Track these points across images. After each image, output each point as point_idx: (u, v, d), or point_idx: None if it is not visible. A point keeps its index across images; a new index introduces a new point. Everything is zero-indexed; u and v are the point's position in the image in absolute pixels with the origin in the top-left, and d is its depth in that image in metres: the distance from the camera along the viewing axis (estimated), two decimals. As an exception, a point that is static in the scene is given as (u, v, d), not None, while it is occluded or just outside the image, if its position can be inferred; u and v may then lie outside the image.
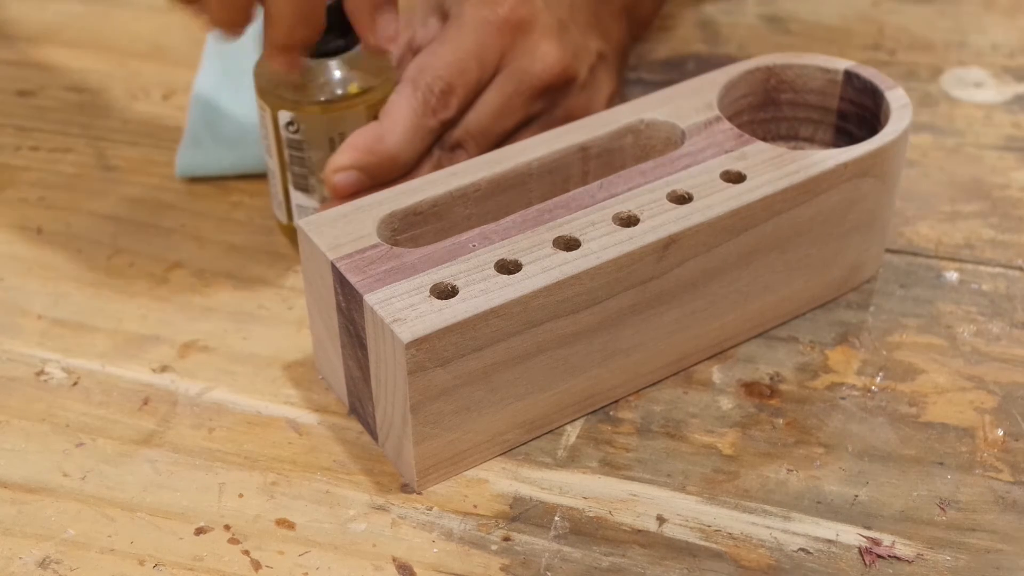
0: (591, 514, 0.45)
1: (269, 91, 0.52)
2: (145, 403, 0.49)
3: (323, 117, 0.52)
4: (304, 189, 0.54)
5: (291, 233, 0.55)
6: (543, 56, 0.55)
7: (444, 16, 0.56)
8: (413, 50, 0.57)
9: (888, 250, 0.56)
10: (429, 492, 0.46)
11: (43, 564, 0.43)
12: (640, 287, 0.46)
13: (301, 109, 0.52)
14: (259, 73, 0.53)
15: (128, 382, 0.50)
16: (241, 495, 0.46)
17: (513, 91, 0.54)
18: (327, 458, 0.47)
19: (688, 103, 0.52)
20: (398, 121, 0.52)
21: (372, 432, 0.47)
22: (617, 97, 0.61)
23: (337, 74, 0.52)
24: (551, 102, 0.56)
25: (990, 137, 0.63)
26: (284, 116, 0.52)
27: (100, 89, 0.67)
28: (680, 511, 0.45)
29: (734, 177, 0.48)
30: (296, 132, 0.52)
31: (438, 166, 0.53)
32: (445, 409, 0.44)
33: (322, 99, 0.52)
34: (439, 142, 0.54)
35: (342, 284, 0.45)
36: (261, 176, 0.60)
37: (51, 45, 0.71)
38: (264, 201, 0.59)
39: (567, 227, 0.46)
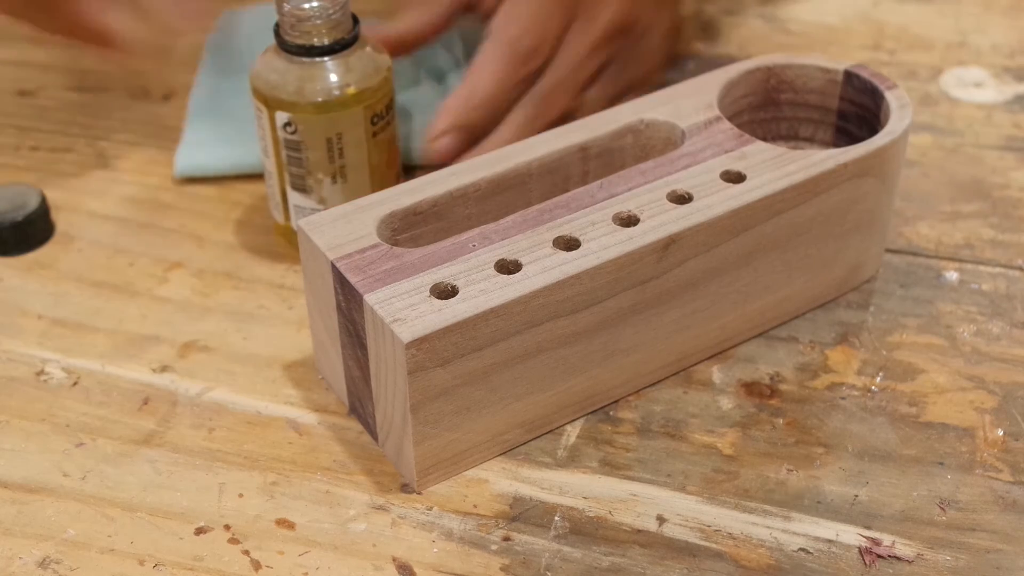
0: (591, 514, 0.45)
1: (266, 92, 0.52)
2: (145, 403, 0.49)
3: (320, 118, 0.52)
4: (302, 190, 0.54)
5: (288, 234, 0.55)
6: (607, 10, 0.57)
7: None
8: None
9: (888, 250, 0.56)
10: (429, 492, 0.46)
11: (43, 564, 0.43)
12: (640, 287, 0.46)
13: (298, 110, 0.52)
14: (255, 74, 0.53)
15: (128, 382, 0.50)
16: (241, 495, 0.46)
17: (587, 37, 0.56)
18: (327, 458, 0.47)
19: (688, 103, 0.52)
20: (486, 76, 0.54)
21: (372, 432, 0.47)
22: (676, 31, 0.64)
23: (334, 75, 0.52)
24: (618, 47, 0.58)
25: (990, 137, 0.63)
26: (281, 117, 0.52)
27: (100, 89, 0.67)
28: (680, 511, 0.45)
29: (734, 177, 0.48)
30: (293, 133, 0.52)
31: (532, 118, 0.55)
32: (445, 409, 0.44)
33: (319, 100, 0.52)
34: (530, 93, 0.56)
35: (342, 284, 0.45)
36: (261, 176, 0.60)
37: (51, 45, 0.71)
38: (264, 201, 0.59)
39: (567, 227, 0.46)
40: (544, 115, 0.56)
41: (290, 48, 0.52)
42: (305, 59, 0.52)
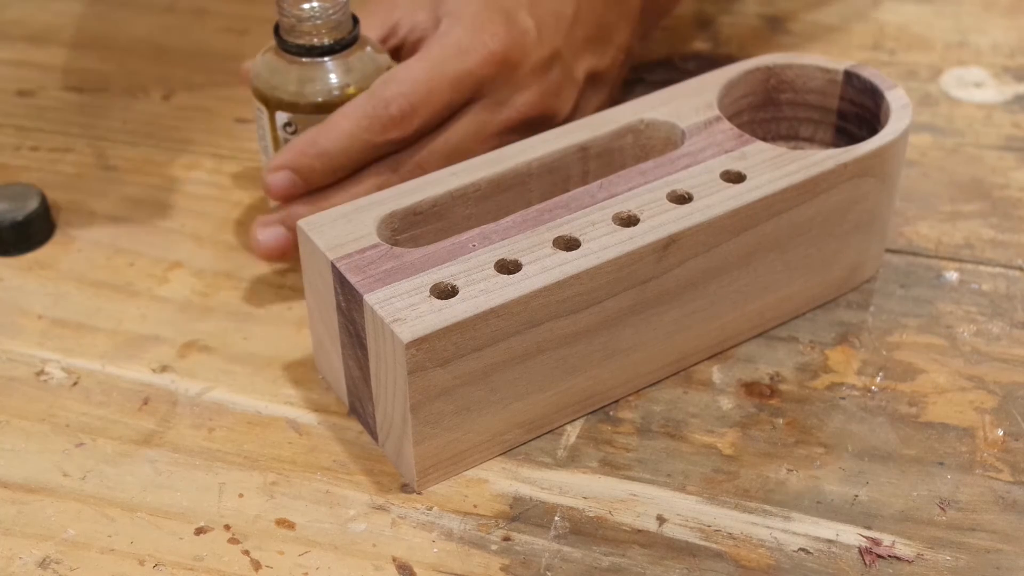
0: (591, 514, 0.45)
1: (266, 92, 0.52)
2: (145, 403, 0.49)
3: (321, 118, 0.52)
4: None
5: None
6: (524, 98, 0.54)
7: (434, 13, 0.55)
8: (394, 36, 0.55)
9: (888, 250, 0.56)
10: (429, 492, 0.46)
11: (43, 564, 0.43)
12: (640, 287, 0.46)
13: (299, 110, 0.52)
14: (255, 74, 0.53)
15: (128, 382, 0.50)
16: (241, 495, 0.46)
17: (486, 123, 0.53)
18: (327, 458, 0.47)
19: (688, 103, 0.52)
20: (339, 126, 0.51)
21: (372, 432, 0.47)
22: (608, 102, 0.60)
23: (334, 76, 0.52)
24: (525, 134, 0.54)
25: (990, 137, 0.63)
26: (282, 117, 0.52)
27: (100, 89, 0.67)
28: (680, 511, 0.45)
29: (734, 177, 0.48)
30: (294, 132, 0.52)
31: (385, 185, 0.52)
32: (445, 409, 0.44)
33: (320, 100, 0.52)
34: (396, 161, 0.52)
35: (342, 284, 0.45)
36: (260, 177, 0.60)
37: (51, 45, 0.71)
38: (264, 202, 0.59)
39: (567, 227, 0.46)
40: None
41: (290, 48, 0.52)
42: (305, 59, 0.52)
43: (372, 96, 0.51)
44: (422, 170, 0.52)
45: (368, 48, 0.53)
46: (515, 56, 0.53)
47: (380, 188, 0.51)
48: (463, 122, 0.53)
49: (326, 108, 0.52)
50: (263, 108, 0.53)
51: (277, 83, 0.52)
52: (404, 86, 0.51)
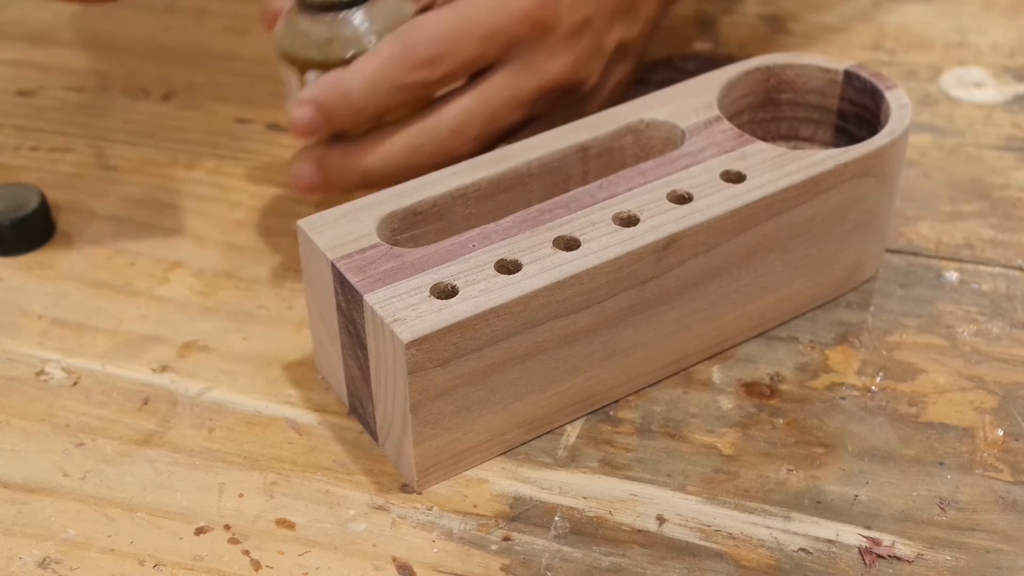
0: (591, 514, 0.45)
1: (294, 53, 0.52)
2: (145, 403, 0.49)
3: None
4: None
5: None
6: (556, 63, 0.53)
7: None
8: None
9: (888, 250, 0.56)
10: (429, 492, 0.46)
11: (43, 564, 0.43)
12: (640, 287, 0.46)
13: (329, 66, 0.51)
14: (279, 39, 0.52)
15: (128, 382, 0.50)
16: (241, 495, 0.46)
17: (520, 88, 0.53)
18: (327, 458, 0.47)
19: (688, 103, 0.52)
20: (365, 65, 0.50)
21: (372, 432, 0.47)
22: (632, 76, 0.60)
23: (361, 28, 0.51)
24: (552, 104, 0.55)
25: (990, 137, 0.63)
26: (312, 76, 0.52)
27: (100, 89, 0.67)
28: (680, 511, 0.45)
29: (734, 177, 0.48)
30: None
31: (421, 147, 0.52)
32: (445, 409, 0.44)
33: (349, 55, 0.51)
34: (435, 124, 0.52)
35: (342, 284, 0.45)
36: (260, 177, 0.60)
37: (51, 45, 0.71)
38: (264, 201, 0.59)
39: (567, 227, 0.46)
40: (424, 149, 0.52)
41: (313, 6, 0.51)
42: (328, 15, 0.51)
43: (400, 38, 0.51)
44: (460, 136, 0.52)
45: None
46: (549, 18, 0.52)
47: (416, 151, 0.51)
48: (497, 86, 0.52)
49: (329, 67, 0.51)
50: (292, 69, 0.52)
51: (304, 43, 0.51)
52: (433, 31, 0.51)
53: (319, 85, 0.51)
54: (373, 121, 0.52)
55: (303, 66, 0.52)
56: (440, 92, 0.53)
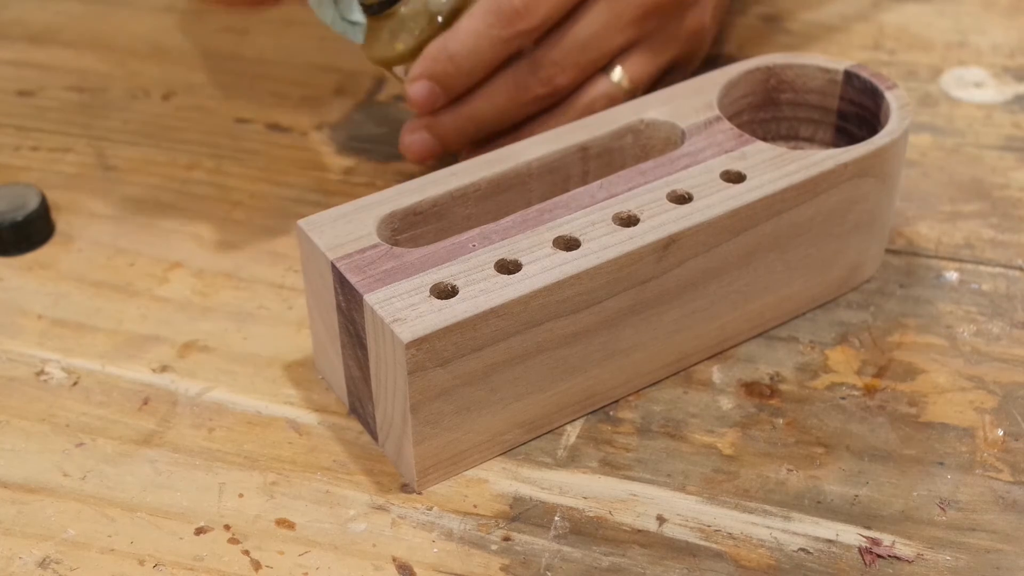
0: (591, 514, 0.45)
1: (379, 58, 0.54)
2: (145, 403, 0.49)
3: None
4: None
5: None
6: None
7: None
8: None
9: (888, 250, 0.56)
10: (429, 492, 0.46)
11: (43, 564, 0.43)
12: (640, 287, 0.46)
13: (407, 59, 0.54)
14: (367, 48, 0.55)
15: (128, 382, 0.50)
16: (241, 495, 0.46)
17: (621, 10, 0.53)
18: (327, 458, 0.47)
19: (688, 103, 0.52)
20: (466, 27, 0.52)
21: (372, 432, 0.47)
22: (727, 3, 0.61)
23: (415, 10, 0.53)
24: (660, 23, 0.55)
25: (990, 137, 0.63)
26: (399, 71, 0.54)
27: (100, 89, 0.67)
28: (680, 511, 0.45)
29: (734, 177, 0.48)
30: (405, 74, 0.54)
31: (515, 87, 0.53)
32: (445, 409, 0.44)
33: (421, 32, 0.53)
34: (532, 62, 0.53)
35: (342, 284, 0.45)
36: (260, 177, 0.60)
37: (51, 45, 0.71)
38: (264, 201, 0.59)
39: (567, 227, 0.46)
40: (532, 87, 0.53)
41: (371, 10, 0.53)
42: (381, 15, 0.53)
43: None
44: (560, 69, 0.53)
45: None
46: None
47: (519, 94, 0.53)
48: (594, 15, 0.53)
49: (421, 45, 0.53)
50: (388, 72, 0.54)
51: (381, 48, 0.53)
52: None
53: (425, 57, 0.52)
54: (483, 80, 0.54)
55: (394, 64, 0.54)
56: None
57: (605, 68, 0.55)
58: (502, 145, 0.53)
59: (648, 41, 0.55)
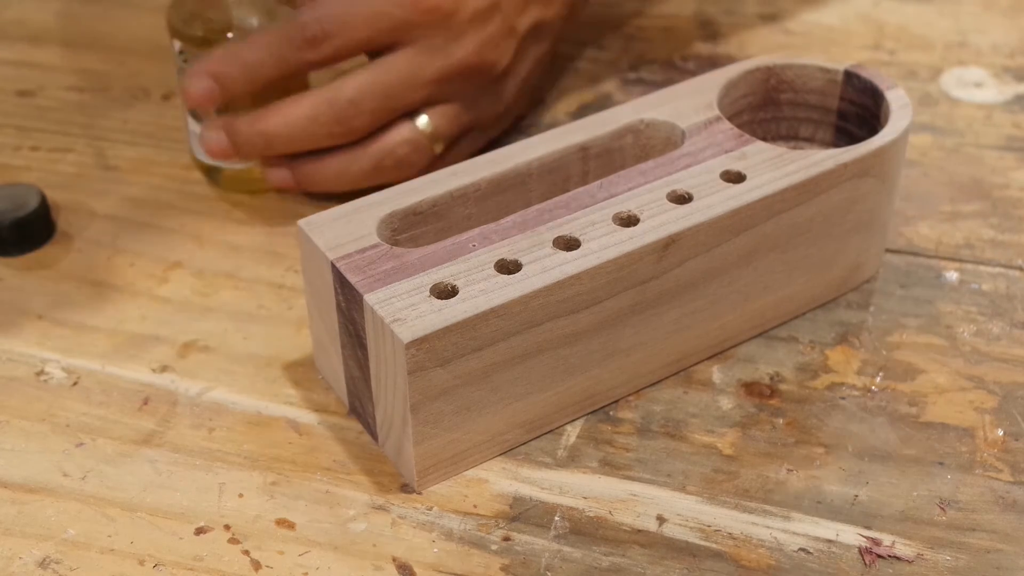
0: (591, 514, 0.45)
1: (171, 21, 0.56)
2: (145, 403, 0.49)
3: (205, 51, 0.55)
4: (196, 117, 0.57)
5: (203, 168, 0.59)
6: (461, 47, 0.54)
7: None
8: None
9: (888, 250, 0.56)
10: (429, 492, 0.46)
11: (43, 564, 0.43)
12: (640, 287, 0.46)
13: (185, 39, 0.56)
14: (171, 12, 0.56)
15: (128, 382, 0.50)
16: (241, 495, 0.46)
17: (420, 69, 0.54)
18: (327, 458, 0.47)
19: (688, 103, 0.52)
20: (258, 40, 0.54)
21: (372, 432, 0.47)
22: (551, 55, 0.61)
23: (231, 11, 0.56)
24: (463, 86, 0.56)
25: (990, 137, 0.63)
26: (175, 45, 0.56)
27: (100, 89, 0.67)
28: (680, 511, 0.45)
29: (734, 177, 0.48)
30: (185, 61, 0.56)
31: (321, 115, 0.54)
32: (445, 409, 0.44)
33: (200, 34, 0.56)
34: (332, 95, 0.54)
35: (342, 284, 0.45)
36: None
37: (51, 45, 0.71)
38: (264, 202, 0.59)
39: (567, 227, 0.46)
40: (327, 123, 0.54)
41: None
42: None
43: (292, 18, 0.54)
44: (356, 108, 0.54)
45: None
46: (447, 5, 0.54)
47: (314, 119, 0.54)
48: (396, 64, 0.54)
49: (208, 43, 0.55)
50: (187, 48, 0.56)
51: (176, 13, 0.56)
52: (320, 13, 0.53)
53: (212, 58, 0.54)
54: (259, 92, 0.55)
55: (171, 33, 0.56)
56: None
57: (411, 114, 0.56)
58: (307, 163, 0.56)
59: (452, 101, 0.56)
